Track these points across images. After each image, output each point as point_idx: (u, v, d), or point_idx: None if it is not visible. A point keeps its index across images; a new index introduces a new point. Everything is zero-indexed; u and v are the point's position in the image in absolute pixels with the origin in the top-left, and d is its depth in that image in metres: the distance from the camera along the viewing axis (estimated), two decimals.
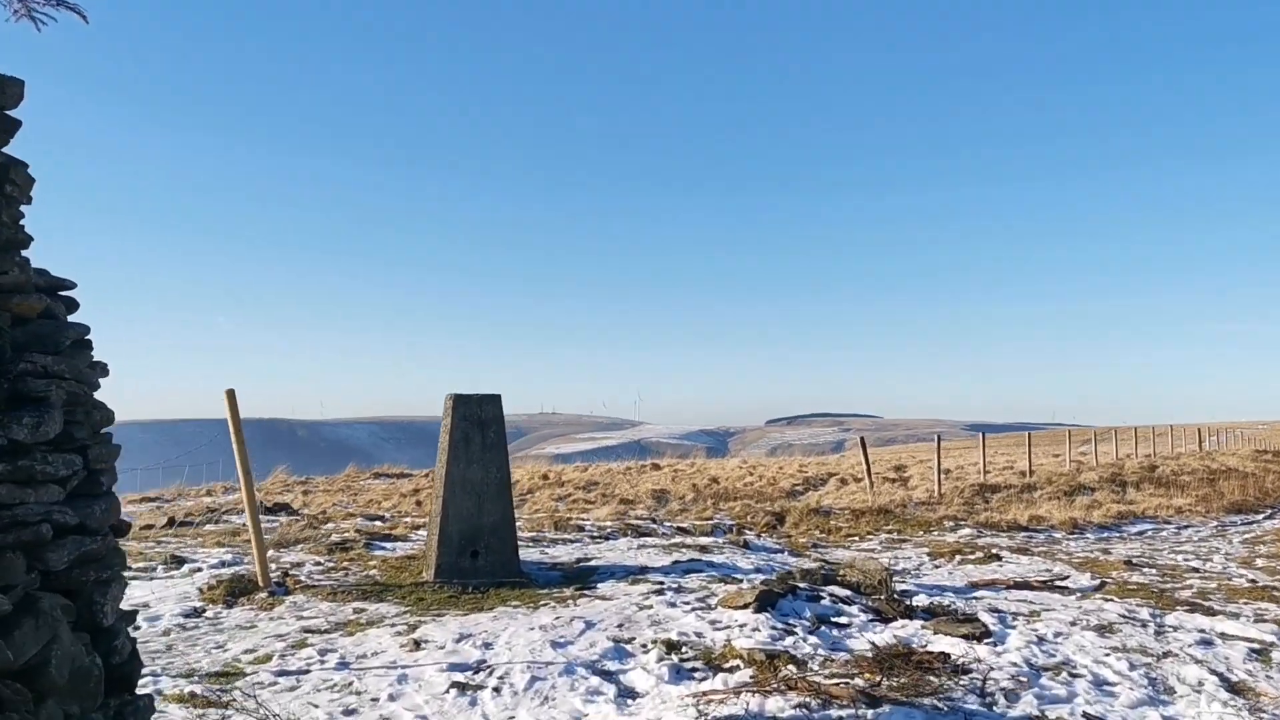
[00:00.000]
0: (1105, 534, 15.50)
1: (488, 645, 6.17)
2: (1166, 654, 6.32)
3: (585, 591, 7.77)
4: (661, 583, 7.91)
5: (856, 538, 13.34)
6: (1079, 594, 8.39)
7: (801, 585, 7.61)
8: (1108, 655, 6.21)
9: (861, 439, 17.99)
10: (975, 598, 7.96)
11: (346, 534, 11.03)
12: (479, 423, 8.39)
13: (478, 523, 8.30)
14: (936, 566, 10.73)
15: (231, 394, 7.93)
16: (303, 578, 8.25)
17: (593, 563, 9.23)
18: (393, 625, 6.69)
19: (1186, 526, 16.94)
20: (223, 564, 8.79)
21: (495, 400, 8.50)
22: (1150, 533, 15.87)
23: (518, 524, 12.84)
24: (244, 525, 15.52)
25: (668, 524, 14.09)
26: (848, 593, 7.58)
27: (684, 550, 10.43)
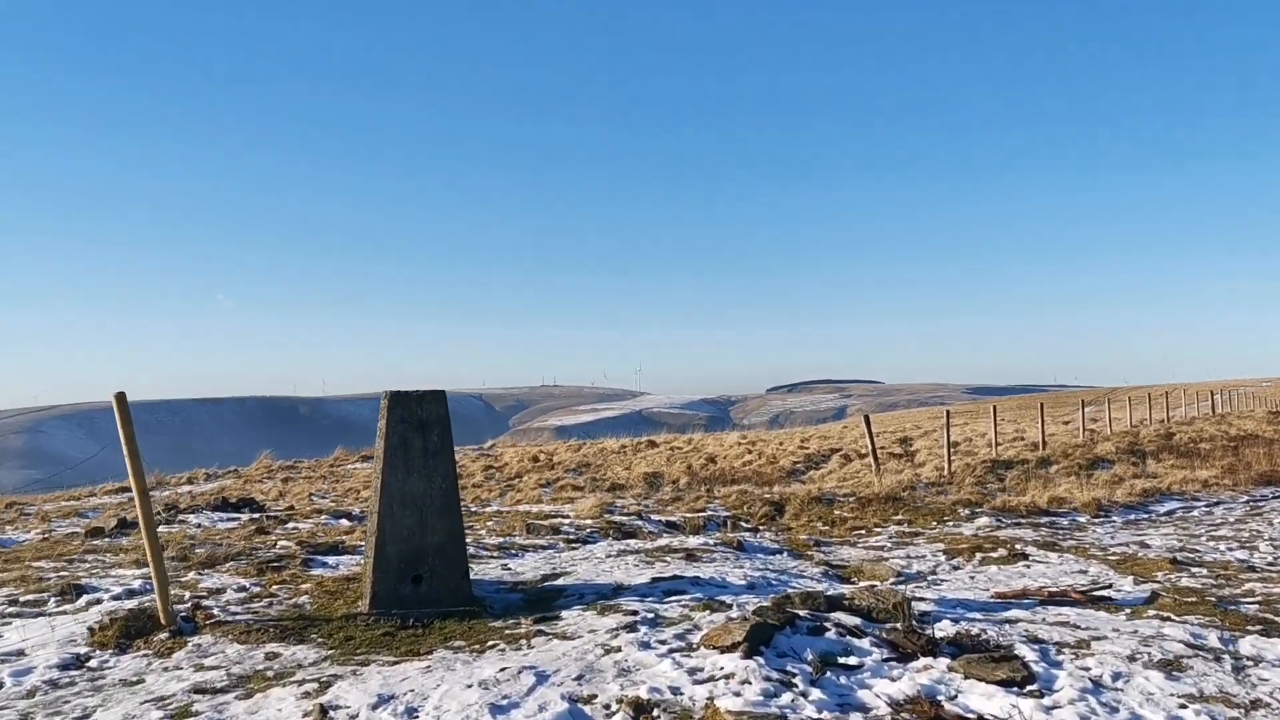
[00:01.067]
0: (1132, 515, 14.30)
1: (411, 712, 4.94)
2: (1255, 703, 5.09)
3: (545, 624, 6.53)
4: (636, 611, 6.66)
5: (863, 531, 12.12)
6: (1128, 610, 7.16)
7: (802, 613, 6.36)
8: (1184, 708, 4.97)
9: (866, 418, 16.73)
10: (1008, 620, 6.72)
11: (289, 546, 9.80)
12: (420, 425, 7.13)
13: (420, 543, 7.06)
14: (955, 568, 9.50)
15: (121, 397, 6.66)
16: (217, 610, 7.02)
17: (560, 580, 7.99)
18: (302, 683, 5.46)
19: (1216, 503, 15.74)
20: (129, 593, 7.55)
21: (438, 398, 7.24)
22: (1180, 513, 14.67)
23: (486, 528, 11.62)
24: (199, 528, 14.31)
25: (655, 518, 12.88)
26: (858, 621, 6.33)
27: (669, 558, 9.20)
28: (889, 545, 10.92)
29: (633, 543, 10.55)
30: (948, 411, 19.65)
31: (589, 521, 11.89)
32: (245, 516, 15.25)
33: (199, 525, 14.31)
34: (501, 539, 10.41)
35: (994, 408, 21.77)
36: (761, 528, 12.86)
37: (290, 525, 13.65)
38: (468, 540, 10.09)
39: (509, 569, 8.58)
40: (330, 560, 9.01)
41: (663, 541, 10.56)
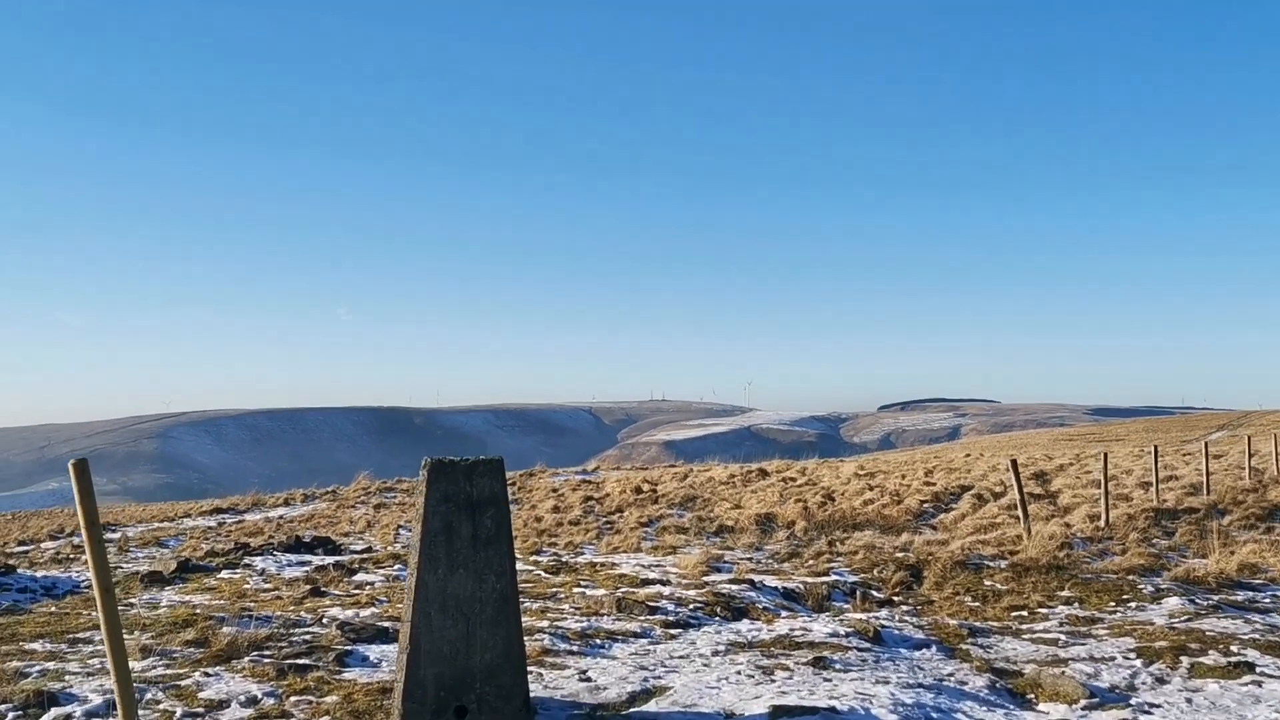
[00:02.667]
0: None
1: None
2: None
3: None
4: None
5: (1024, 612, 10.03)
6: None
7: None
8: None
9: (1013, 462, 14.53)
10: None
11: (333, 625, 8.20)
12: (469, 505, 5.43)
13: (466, 663, 5.35)
14: (1160, 681, 7.40)
15: (81, 466, 5.13)
16: None
17: (652, 705, 6.16)
18: None
19: None
20: (110, 705, 6.01)
21: (493, 469, 5.53)
22: None
23: (572, 598, 9.88)
24: (261, 575, 12.95)
25: (771, 583, 11.02)
26: None
27: (790, 659, 7.33)
28: (1062, 637, 8.83)
29: (744, 627, 8.70)
30: (1105, 454, 17.21)
31: (692, 593, 10.06)
32: (315, 562, 13.86)
33: (261, 572, 12.98)
34: (586, 621, 8.64)
35: (1155, 450, 19.15)
36: (897, 599, 10.88)
37: (358, 578, 12.19)
38: (544, 624, 8.37)
39: (588, 678, 6.78)
40: (373, 653, 7.37)
41: (781, 628, 8.68)
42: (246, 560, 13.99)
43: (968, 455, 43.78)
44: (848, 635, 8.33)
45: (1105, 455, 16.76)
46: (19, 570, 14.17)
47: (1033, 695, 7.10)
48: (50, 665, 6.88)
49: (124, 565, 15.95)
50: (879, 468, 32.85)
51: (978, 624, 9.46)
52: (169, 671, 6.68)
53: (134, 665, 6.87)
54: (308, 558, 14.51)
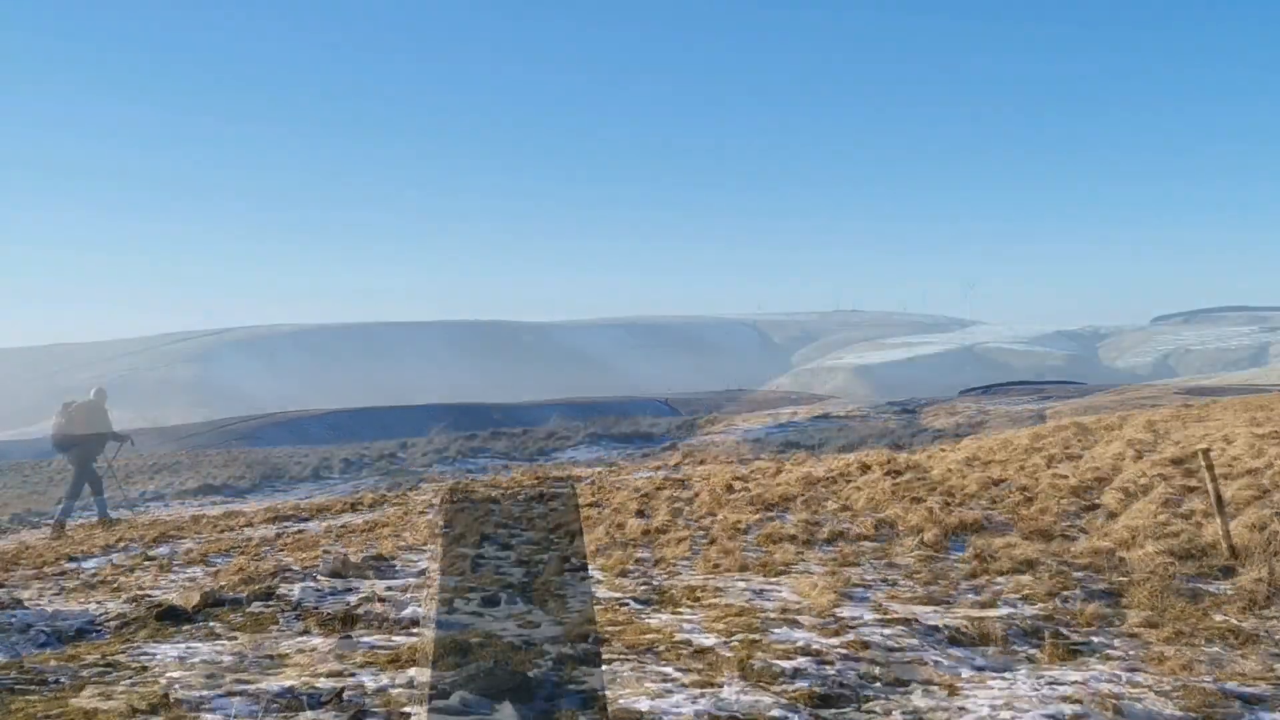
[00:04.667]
0: None
1: None
2: None
3: None
4: None
5: None
6: None
7: None
8: None
9: (1204, 452, 11.67)
10: None
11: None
12: None
13: None
14: None
15: None
16: None
17: None
18: None
19: None
20: None
21: None
22: None
23: (676, 650, 7.46)
24: (298, 609, 10.90)
25: (930, 623, 8.55)
26: None
27: None
28: None
29: (922, 702, 6.17)
30: None
31: (835, 641, 7.58)
32: (360, 590, 11.69)
33: (295, 606, 10.91)
34: (703, 698, 6.15)
35: None
36: (1096, 639, 8.32)
37: (406, 613, 10.01)
38: (645, 705, 5.97)
39: None
40: None
41: (975, 702, 6.16)
42: (283, 589, 11.92)
43: (1081, 439, 40.29)
44: (1087, 713, 5.82)
45: None
46: (27, 604, 12.24)
47: None
48: None
49: (155, 592, 14.03)
50: (992, 456, 29.93)
51: (1236, 686, 6.86)
52: None
53: None
54: (354, 583, 12.39)
